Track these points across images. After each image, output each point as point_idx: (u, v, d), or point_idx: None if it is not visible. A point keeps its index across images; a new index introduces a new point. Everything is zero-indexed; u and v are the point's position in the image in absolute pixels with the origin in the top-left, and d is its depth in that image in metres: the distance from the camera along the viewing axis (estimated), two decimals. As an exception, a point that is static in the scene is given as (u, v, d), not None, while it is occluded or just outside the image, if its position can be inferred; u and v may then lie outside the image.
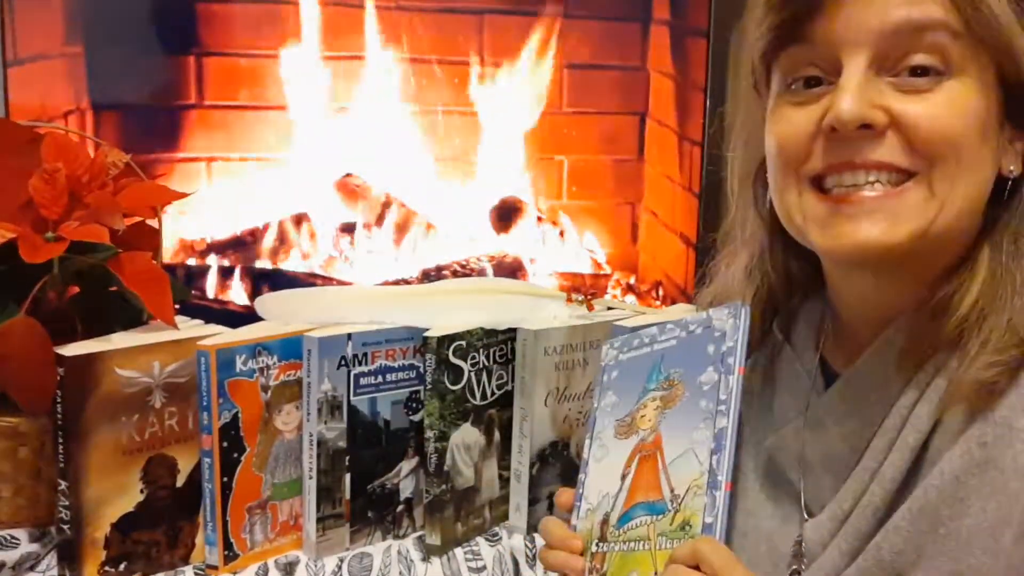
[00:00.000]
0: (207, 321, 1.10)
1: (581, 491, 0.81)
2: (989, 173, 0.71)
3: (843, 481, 0.75)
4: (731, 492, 0.69)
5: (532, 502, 1.13)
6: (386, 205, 2.01)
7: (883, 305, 0.75)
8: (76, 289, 1.10)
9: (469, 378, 1.10)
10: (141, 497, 1.01)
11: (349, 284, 1.93)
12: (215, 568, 1.03)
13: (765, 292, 0.84)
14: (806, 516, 0.78)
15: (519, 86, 2.00)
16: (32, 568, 1.00)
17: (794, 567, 0.77)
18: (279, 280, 1.92)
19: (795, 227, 0.75)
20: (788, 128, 0.72)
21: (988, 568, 0.65)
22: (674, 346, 0.78)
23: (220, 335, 1.04)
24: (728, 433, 0.70)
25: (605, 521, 0.76)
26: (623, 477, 0.76)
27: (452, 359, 1.08)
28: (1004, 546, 0.65)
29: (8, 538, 1.01)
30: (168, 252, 1.84)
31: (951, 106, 0.67)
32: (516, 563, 1.09)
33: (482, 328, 1.11)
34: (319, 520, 1.07)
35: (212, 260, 1.95)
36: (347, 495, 1.08)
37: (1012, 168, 0.71)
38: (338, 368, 1.05)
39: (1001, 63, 0.68)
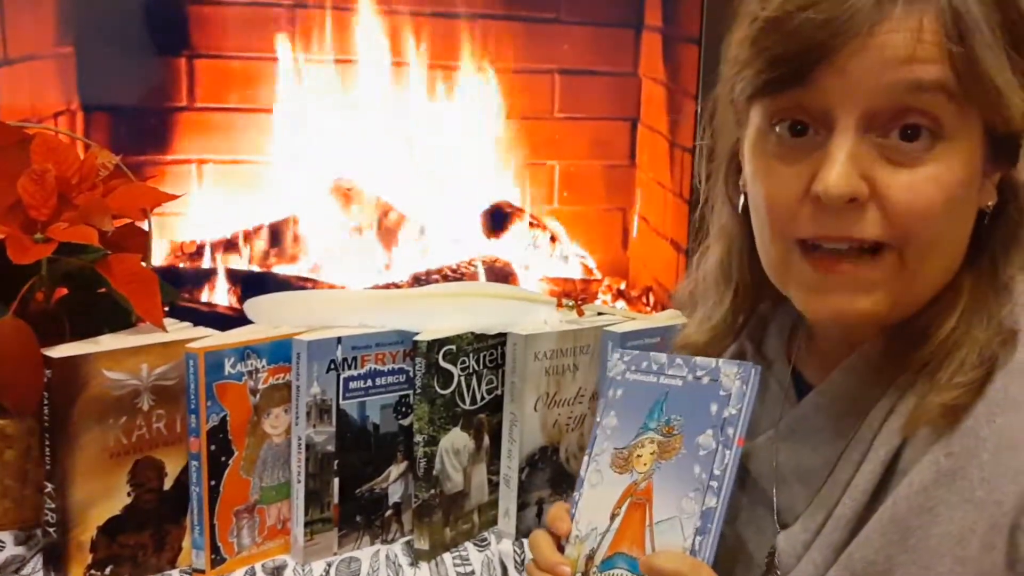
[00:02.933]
0: (196, 323, 1.09)
1: (574, 511, 0.80)
2: (968, 226, 0.71)
3: (816, 493, 0.76)
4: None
5: (521, 507, 1.13)
6: (377, 209, 2.01)
7: (861, 325, 0.75)
8: (64, 291, 1.10)
9: (459, 382, 1.10)
10: (128, 500, 1.01)
11: (339, 287, 1.93)
12: (202, 572, 1.03)
13: (742, 290, 0.84)
14: (778, 527, 0.79)
15: (515, 90, 2.00)
16: (17, 571, 1.00)
17: None
18: (269, 283, 1.92)
19: (779, 279, 0.75)
20: (777, 189, 0.71)
21: None
22: (680, 388, 0.76)
23: (209, 338, 1.03)
24: (716, 515, 0.69)
25: (590, 558, 0.76)
26: (612, 517, 0.76)
27: (442, 363, 1.08)
28: (972, 554, 0.66)
29: (-7, 541, 1.01)
30: (157, 254, 1.83)
31: (936, 180, 0.66)
32: (504, 568, 1.09)
33: (472, 333, 1.10)
34: (307, 524, 1.06)
35: (202, 262, 1.94)
36: (335, 499, 1.08)
37: (989, 203, 0.72)
38: (327, 372, 1.05)
39: (990, 118, 0.67)
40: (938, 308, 0.71)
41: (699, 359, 0.77)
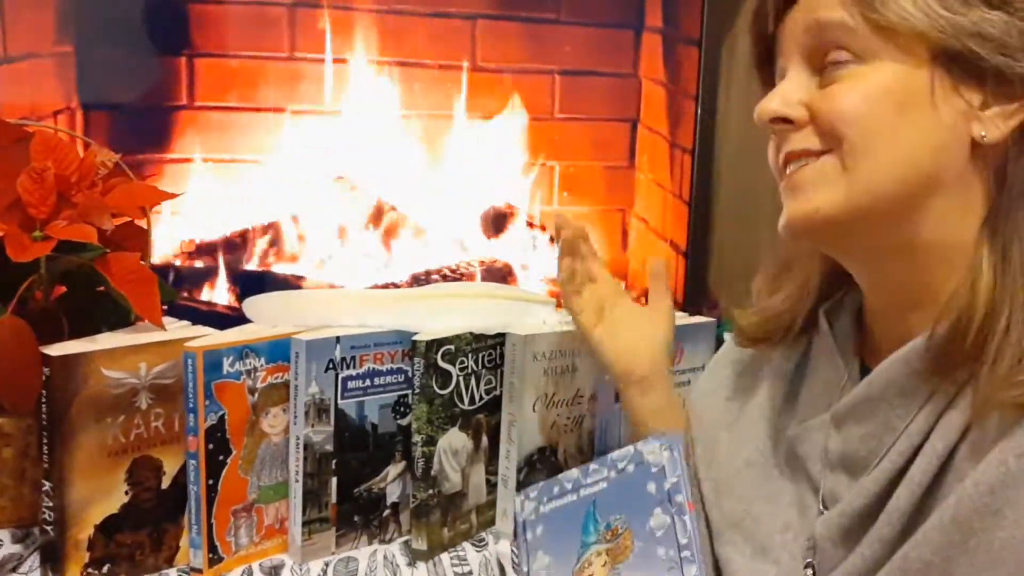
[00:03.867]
0: (194, 322, 1.09)
1: None
2: (933, 146, 0.71)
3: (857, 481, 0.75)
4: None
5: (519, 508, 1.13)
6: (376, 208, 2.01)
7: (900, 296, 0.76)
8: (63, 289, 1.10)
9: (457, 383, 1.10)
10: (126, 499, 1.01)
11: (338, 287, 1.92)
12: (199, 571, 1.02)
13: (818, 277, 0.87)
14: (823, 509, 0.78)
15: (510, 93, 2.00)
16: (15, 569, 1.00)
17: (808, 560, 0.78)
18: (267, 282, 1.91)
19: None
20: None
21: None
22: (606, 489, 0.74)
23: (207, 336, 1.03)
24: None
25: None
26: None
27: (441, 363, 1.08)
28: None
29: (-9, 539, 1.01)
30: (156, 253, 1.83)
31: (853, 88, 0.72)
32: (502, 569, 1.09)
33: (471, 333, 1.10)
34: (305, 524, 1.06)
35: (200, 261, 1.94)
36: (333, 499, 1.08)
37: (983, 133, 0.71)
38: (326, 371, 1.05)
39: (908, 44, 0.71)
40: (962, 291, 0.70)
41: (614, 454, 0.76)
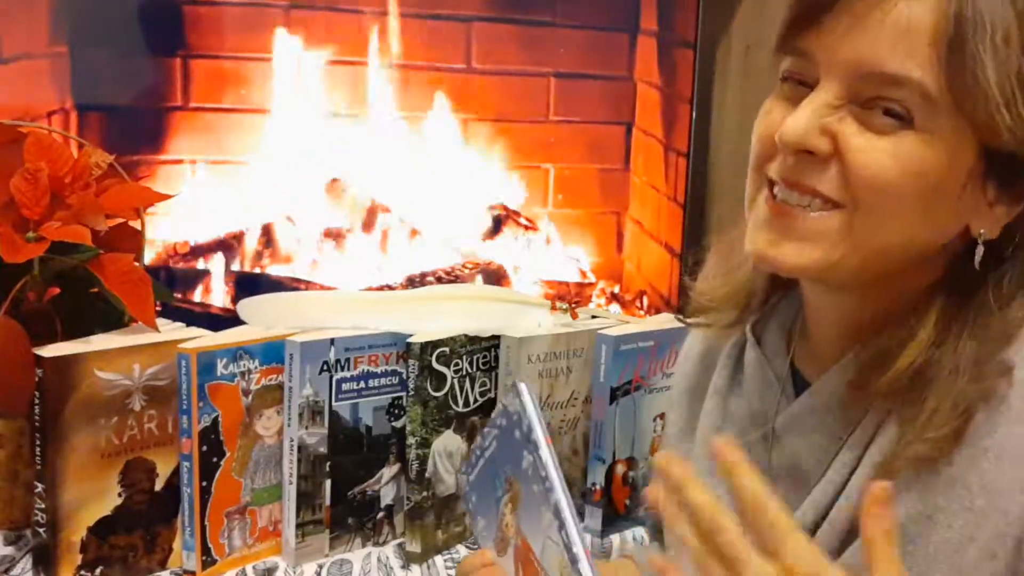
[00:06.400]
0: (189, 324, 1.09)
1: None
2: (938, 230, 0.69)
3: (806, 494, 0.76)
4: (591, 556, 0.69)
5: (513, 510, 1.13)
6: (371, 210, 2.00)
7: (845, 320, 0.75)
8: (57, 290, 1.09)
9: (452, 385, 1.09)
10: (119, 501, 1.00)
11: (332, 289, 1.92)
12: (192, 574, 1.02)
13: (752, 282, 0.83)
14: None
15: (506, 94, 2.00)
16: (7, 571, 0.99)
17: None
18: (262, 284, 1.91)
19: (746, 213, 0.75)
20: (766, 124, 0.71)
21: None
22: (496, 447, 0.78)
23: (201, 338, 1.03)
24: (563, 504, 0.69)
25: None
26: None
27: (435, 365, 1.08)
28: (969, 562, 0.65)
29: (-17, 541, 1.01)
30: (150, 254, 1.82)
31: (895, 156, 0.65)
32: (496, 571, 1.09)
33: (466, 335, 1.10)
34: (299, 526, 1.06)
35: (195, 263, 1.93)
36: (327, 501, 1.08)
37: (983, 231, 0.69)
38: (320, 373, 1.05)
39: (982, 133, 0.66)
40: (906, 330, 0.70)
41: (494, 412, 0.79)
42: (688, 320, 0.89)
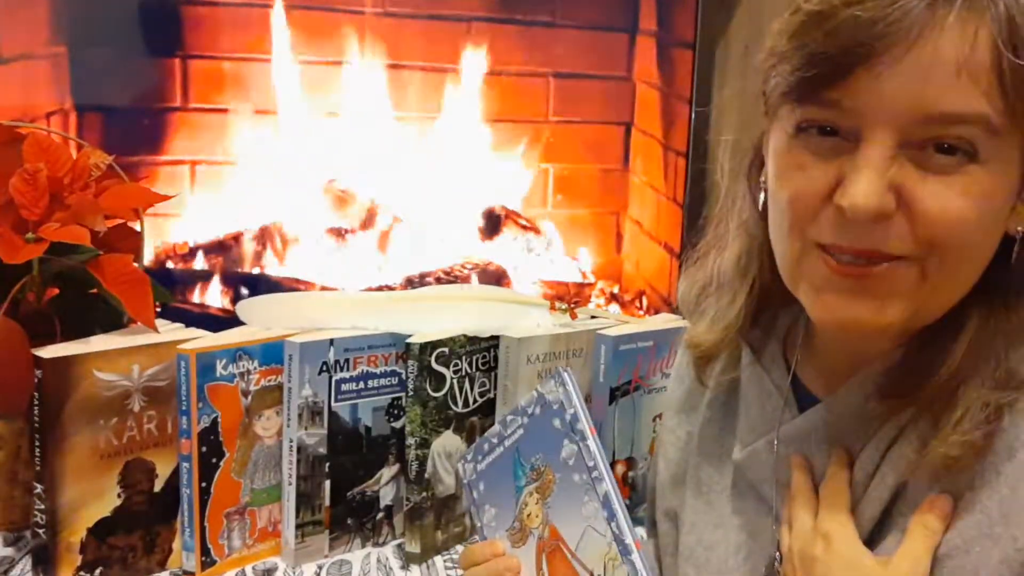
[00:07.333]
0: (188, 325, 1.09)
1: None
2: (992, 249, 0.68)
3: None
4: (642, 549, 0.69)
5: (513, 511, 1.13)
6: (370, 211, 2.00)
7: (865, 341, 0.74)
8: (56, 291, 1.09)
9: (451, 385, 1.09)
10: (118, 501, 1.00)
11: (332, 289, 1.92)
12: (192, 574, 1.02)
13: (757, 289, 0.81)
14: (778, 535, 0.78)
15: (509, 93, 2.00)
16: (6, 573, 0.99)
17: None
18: (261, 284, 1.91)
19: (790, 277, 0.71)
20: (800, 186, 0.67)
21: None
22: (523, 435, 0.78)
23: (201, 339, 1.03)
24: (613, 495, 0.70)
25: None
26: None
27: (435, 366, 1.08)
28: None
29: (-18, 542, 1.01)
30: (149, 255, 1.82)
31: (967, 194, 0.62)
32: (496, 572, 1.09)
33: (465, 335, 1.10)
34: (298, 527, 1.06)
35: (194, 263, 1.93)
36: (327, 502, 1.08)
37: (1020, 228, 0.68)
38: (319, 374, 1.05)
39: None
40: (940, 344, 0.69)
41: (522, 401, 0.79)
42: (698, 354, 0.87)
